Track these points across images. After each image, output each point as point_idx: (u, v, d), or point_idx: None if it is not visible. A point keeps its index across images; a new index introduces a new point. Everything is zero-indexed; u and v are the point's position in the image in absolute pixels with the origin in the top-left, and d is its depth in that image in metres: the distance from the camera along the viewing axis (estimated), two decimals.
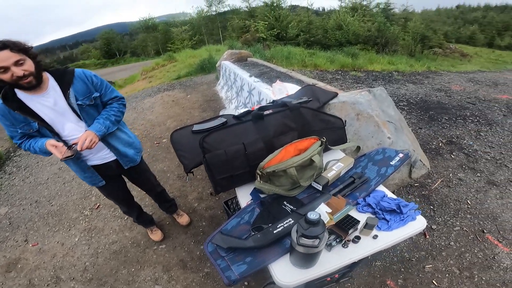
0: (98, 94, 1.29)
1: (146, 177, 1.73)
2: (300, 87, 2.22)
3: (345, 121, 1.47)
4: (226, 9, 30.10)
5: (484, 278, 1.63)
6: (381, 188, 1.10)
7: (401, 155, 1.28)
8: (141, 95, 6.34)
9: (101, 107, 1.34)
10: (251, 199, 1.11)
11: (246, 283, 1.66)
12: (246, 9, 12.97)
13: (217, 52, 9.87)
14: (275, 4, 11.16)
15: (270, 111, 1.34)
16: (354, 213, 0.95)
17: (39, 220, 2.48)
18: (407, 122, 3.72)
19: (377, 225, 0.91)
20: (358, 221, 0.89)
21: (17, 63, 1.04)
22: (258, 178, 1.05)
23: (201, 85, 6.11)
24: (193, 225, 2.16)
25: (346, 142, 1.43)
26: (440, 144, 3.17)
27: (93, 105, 1.28)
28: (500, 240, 1.91)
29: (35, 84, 1.10)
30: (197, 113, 4.31)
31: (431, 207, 2.22)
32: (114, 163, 1.46)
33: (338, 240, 0.86)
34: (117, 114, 1.35)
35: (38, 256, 2.08)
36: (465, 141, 3.23)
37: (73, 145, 1.17)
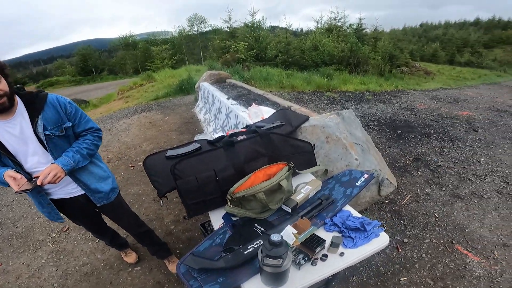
0: (70, 124, 1.20)
1: (123, 216, 1.57)
2: (274, 110, 2.31)
3: (314, 145, 1.55)
4: (207, 29, 30.85)
5: None
6: (347, 208, 1.17)
7: (366, 175, 1.37)
8: (116, 115, 6.19)
9: (73, 139, 1.25)
10: (224, 222, 1.14)
11: None
12: (227, 29, 13.26)
13: (197, 72, 9.98)
14: (255, 25, 11.44)
15: (242, 137, 1.40)
16: (321, 233, 1.01)
17: (2, 242, 2.38)
18: (377, 141, 3.94)
19: (343, 243, 0.97)
20: (324, 240, 0.94)
21: None
22: (229, 203, 1.09)
23: (180, 106, 6.10)
24: (170, 247, 2.11)
25: (316, 165, 1.50)
26: (407, 162, 3.36)
27: (64, 136, 1.19)
28: (469, 250, 2.02)
29: (7, 106, 1.03)
30: (175, 135, 4.28)
31: (402, 221, 2.32)
32: (83, 197, 1.35)
33: (306, 258, 0.90)
34: (90, 148, 1.26)
35: (2, 276, 1.99)
36: (430, 158, 3.46)
37: (35, 178, 1.09)
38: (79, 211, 1.44)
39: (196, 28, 31.21)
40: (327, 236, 0.97)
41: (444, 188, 2.81)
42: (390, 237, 2.13)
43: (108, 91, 13.78)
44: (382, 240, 0.97)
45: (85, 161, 1.24)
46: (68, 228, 2.46)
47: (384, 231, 1.02)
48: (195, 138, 3.39)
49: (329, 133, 1.71)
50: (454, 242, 2.09)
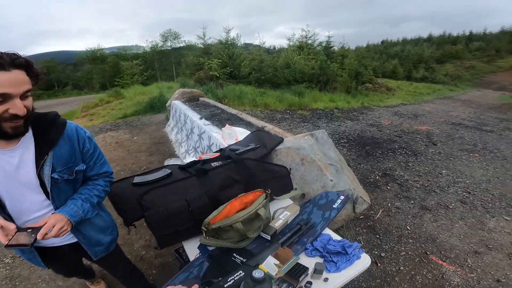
0: (83, 167, 0.96)
1: (119, 265, 1.36)
2: (248, 131, 2.28)
3: (290, 169, 1.54)
4: (181, 44, 30.57)
5: None
6: (327, 231, 1.17)
7: (342, 197, 1.41)
8: None
9: (80, 183, 1.00)
10: (199, 252, 1.08)
11: None
12: (201, 46, 13.26)
13: (169, 89, 9.78)
14: (229, 42, 11.53)
15: (216, 164, 1.34)
16: (303, 258, 1.00)
17: None
18: (348, 158, 4.07)
19: (327, 268, 0.97)
20: (307, 268, 0.93)
21: (24, 95, 0.75)
22: (204, 234, 1.04)
23: (150, 125, 5.86)
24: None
25: (292, 188, 1.50)
26: (377, 177, 3.50)
27: (72, 180, 0.94)
28: (443, 259, 2.10)
29: (21, 132, 0.79)
30: (144, 157, 4.06)
31: (377, 236, 2.37)
32: (71, 246, 1.09)
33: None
34: (101, 195, 1.04)
35: None
36: (397, 173, 3.64)
37: (29, 230, 0.83)
38: (62, 258, 1.19)
39: (169, 44, 30.82)
40: (309, 261, 0.97)
41: (412, 201, 2.94)
42: (367, 252, 2.16)
43: (71, 107, 12.92)
44: (364, 261, 0.98)
45: (94, 211, 1.02)
46: None
47: (365, 252, 1.04)
48: (165, 163, 3.23)
49: (304, 155, 1.71)
50: (428, 253, 2.17)
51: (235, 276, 0.87)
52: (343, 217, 2.15)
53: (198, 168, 1.24)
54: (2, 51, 0.72)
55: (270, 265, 0.87)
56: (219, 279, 0.88)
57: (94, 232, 1.08)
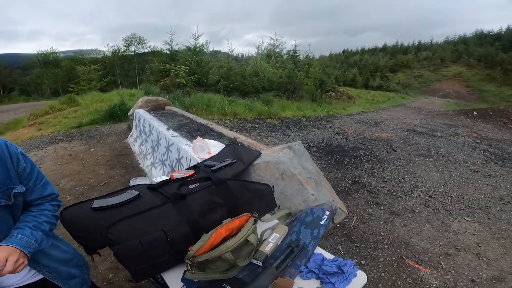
0: (23, 190, 0.82)
1: None
2: (221, 143, 2.15)
3: (273, 186, 1.45)
4: (146, 50, 29.13)
5: None
6: (318, 250, 1.15)
7: (327, 212, 1.41)
8: (26, 146, 5.06)
9: (21, 210, 0.86)
10: (184, 285, 0.96)
11: None
12: (168, 52, 12.74)
13: (131, 97, 9.19)
14: (198, 49, 11.28)
15: (193, 186, 1.21)
16: (298, 281, 0.97)
17: None
18: (319, 167, 4.12)
19: None
20: None
21: None
22: (189, 267, 0.92)
23: (109, 136, 5.39)
24: None
25: (276, 206, 1.43)
26: (347, 185, 3.58)
27: (10, 206, 0.80)
28: (419, 263, 2.16)
29: None
30: (103, 170, 3.66)
31: (355, 244, 2.39)
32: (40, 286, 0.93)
33: None
34: (51, 221, 0.90)
35: None
36: (365, 180, 3.77)
37: None
38: None
39: (133, 49, 29.16)
40: (304, 284, 0.95)
41: (382, 207, 3.04)
42: (350, 259, 2.16)
43: (17, 114, 11.49)
44: (360, 279, 0.98)
45: (48, 240, 0.88)
46: None
47: (360, 269, 1.03)
48: (131, 183, 2.88)
49: (283, 169, 1.64)
50: (404, 257, 2.22)
51: None
52: None
53: (174, 193, 1.09)
54: None
55: None
56: None
57: (57, 264, 0.95)
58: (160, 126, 3.03)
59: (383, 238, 2.48)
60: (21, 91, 30.13)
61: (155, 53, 21.57)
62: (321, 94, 12.72)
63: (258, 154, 1.76)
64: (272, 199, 1.39)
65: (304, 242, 1.17)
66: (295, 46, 15.67)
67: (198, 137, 2.14)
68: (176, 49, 12.26)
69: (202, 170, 1.49)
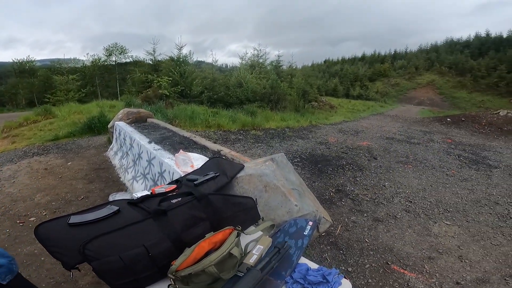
0: None
1: None
2: (204, 157, 2.14)
3: (256, 199, 1.45)
4: (128, 60, 28.46)
5: None
6: (302, 260, 1.15)
7: (310, 223, 1.43)
8: None
9: None
10: None
11: None
12: (151, 62, 12.53)
13: (111, 108, 8.92)
14: (181, 60, 11.16)
15: (175, 201, 1.19)
16: None
17: None
18: (303, 177, 4.16)
19: None
20: None
21: None
22: (172, 282, 0.91)
23: (88, 149, 5.18)
24: None
25: (260, 218, 1.43)
26: (331, 194, 3.64)
27: None
28: (404, 267, 2.19)
29: None
30: (81, 184, 3.50)
31: (341, 251, 2.41)
32: None
33: None
34: None
35: None
36: (348, 188, 3.84)
37: None
38: None
39: (114, 59, 28.39)
40: None
41: (365, 214, 3.11)
42: (335, 268, 2.17)
43: None
44: (345, 287, 0.99)
45: None
46: None
47: (344, 277, 1.04)
48: (110, 198, 2.78)
49: (267, 182, 1.65)
50: (389, 262, 2.26)
51: None
52: None
53: (155, 210, 1.07)
54: None
55: None
56: None
57: None
58: (141, 140, 2.96)
59: (368, 245, 2.52)
60: None
61: (137, 63, 21.06)
62: (304, 104, 12.96)
63: (241, 167, 1.76)
64: (256, 212, 1.39)
65: (290, 245, 1.19)
66: (279, 56, 15.89)
67: (181, 151, 2.11)
68: (159, 59, 12.13)
69: (185, 185, 1.47)
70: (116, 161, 3.93)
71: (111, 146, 4.55)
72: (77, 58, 30.04)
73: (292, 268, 1.08)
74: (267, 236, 1.28)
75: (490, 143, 8.04)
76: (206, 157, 2.09)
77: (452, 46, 44.75)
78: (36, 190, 3.40)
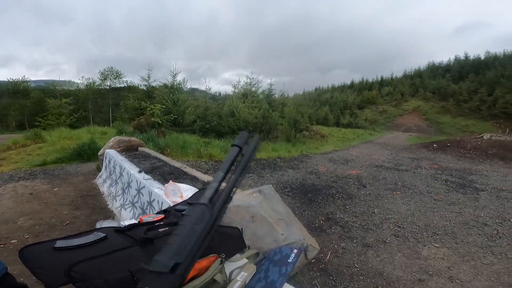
0: None
1: None
2: (194, 187, 2.18)
3: (242, 229, 1.49)
4: (122, 85, 28.32)
5: None
6: (287, 287, 1.15)
7: (295, 250, 1.44)
8: None
9: None
10: None
11: None
12: (145, 88, 12.66)
13: (103, 135, 8.93)
14: (175, 87, 11.27)
15: (163, 230, 1.21)
16: None
17: None
18: (293, 206, 4.17)
19: None
20: None
21: None
22: None
23: (76, 175, 5.12)
24: None
25: (245, 246, 1.46)
26: (321, 222, 3.65)
27: None
28: None
29: None
30: (67, 210, 3.43)
31: (331, 277, 2.39)
32: None
33: None
34: None
35: None
36: (337, 215, 3.87)
37: None
38: None
39: (108, 83, 28.14)
40: None
41: (355, 240, 3.11)
42: None
43: None
44: None
45: None
46: None
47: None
48: (97, 226, 2.73)
49: (254, 212, 1.70)
50: (379, 287, 2.25)
51: None
52: (297, 264, 2.14)
53: (142, 238, 1.09)
54: None
55: None
56: None
57: None
58: (131, 169, 2.99)
59: (357, 270, 2.51)
60: None
61: (131, 89, 20.98)
62: (296, 133, 13.17)
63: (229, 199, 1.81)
64: (241, 241, 1.41)
65: (272, 279, 1.20)
66: (271, 85, 16.24)
67: (171, 181, 2.16)
68: (154, 85, 12.30)
69: (173, 215, 1.49)
70: (104, 189, 3.88)
71: (100, 174, 4.52)
72: (72, 80, 30.05)
73: None
74: (252, 264, 1.31)
75: (476, 167, 8.30)
76: (195, 188, 2.13)
77: (434, 70, 46.74)
78: (19, 214, 3.33)
